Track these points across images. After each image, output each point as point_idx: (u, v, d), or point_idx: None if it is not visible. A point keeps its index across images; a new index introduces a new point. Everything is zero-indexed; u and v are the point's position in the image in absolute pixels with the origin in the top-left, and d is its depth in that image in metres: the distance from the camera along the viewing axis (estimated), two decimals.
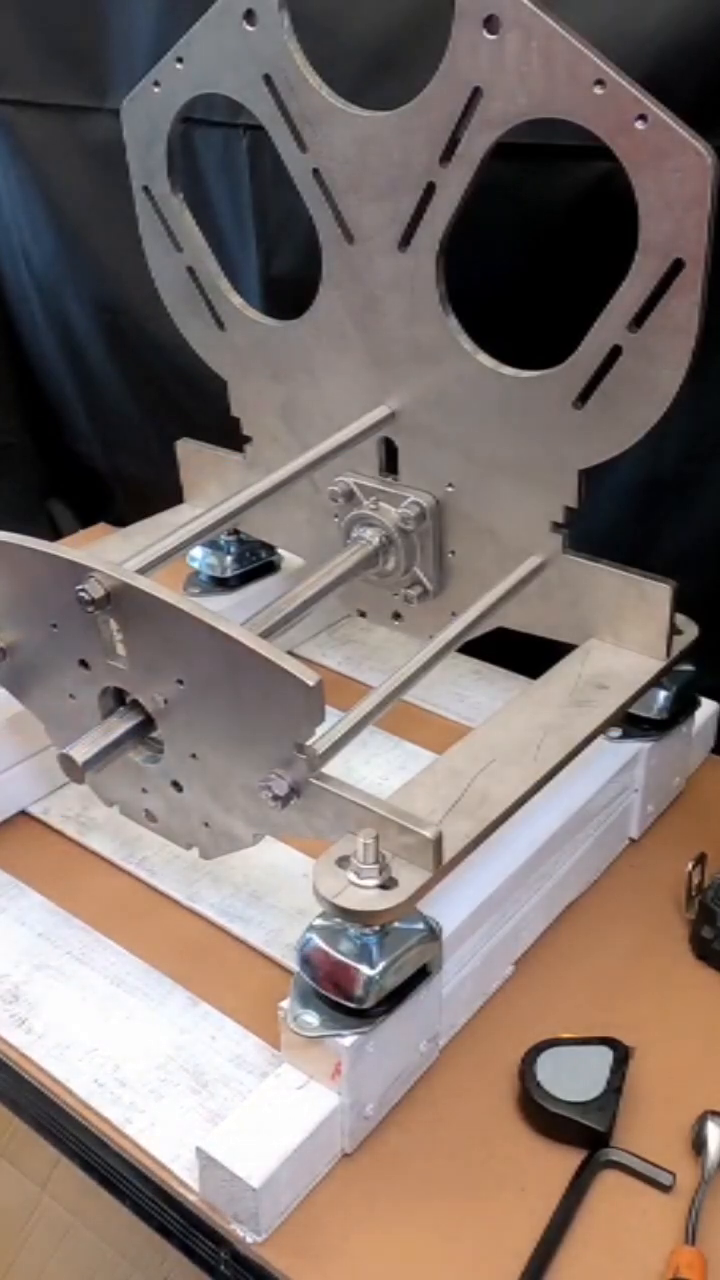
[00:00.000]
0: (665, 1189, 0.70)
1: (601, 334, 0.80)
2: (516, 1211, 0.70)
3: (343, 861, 0.71)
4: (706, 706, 1.00)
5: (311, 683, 0.69)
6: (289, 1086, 0.71)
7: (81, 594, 0.74)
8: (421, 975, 0.73)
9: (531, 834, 0.83)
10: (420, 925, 0.73)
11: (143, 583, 0.73)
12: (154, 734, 0.79)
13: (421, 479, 0.95)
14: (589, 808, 0.87)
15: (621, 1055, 0.76)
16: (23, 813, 0.98)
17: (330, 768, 0.74)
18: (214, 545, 1.15)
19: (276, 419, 1.04)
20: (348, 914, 0.70)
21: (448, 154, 0.81)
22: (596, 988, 0.83)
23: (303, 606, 0.89)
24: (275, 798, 0.73)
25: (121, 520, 1.30)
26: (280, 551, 1.17)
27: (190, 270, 1.02)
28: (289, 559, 1.16)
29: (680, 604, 0.89)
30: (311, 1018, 0.70)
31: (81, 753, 0.77)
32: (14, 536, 0.78)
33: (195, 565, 1.15)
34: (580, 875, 0.90)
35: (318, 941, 0.71)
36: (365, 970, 0.69)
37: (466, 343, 0.87)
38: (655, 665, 0.90)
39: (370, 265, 0.89)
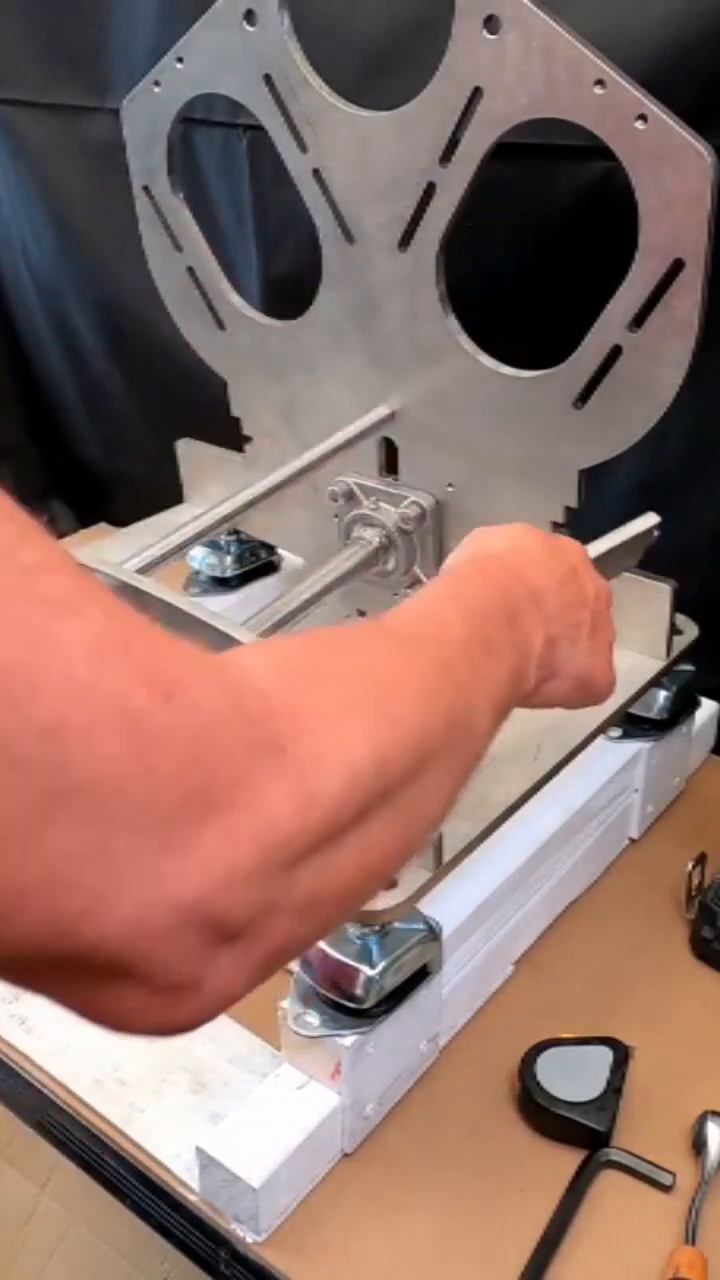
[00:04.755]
0: (665, 1189, 0.70)
1: (601, 334, 0.80)
2: (516, 1211, 0.70)
3: None
4: (706, 706, 1.00)
5: None
6: (289, 1086, 0.71)
7: None
8: (421, 975, 0.73)
9: (531, 834, 0.83)
10: (420, 925, 0.73)
11: (143, 582, 0.73)
12: None
13: (422, 479, 0.95)
14: (589, 808, 0.87)
15: (621, 1055, 0.76)
16: None
17: None
18: (214, 545, 1.15)
19: (276, 419, 1.04)
20: None
21: (448, 154, 0.81)
22: (596, 988, 0.83)
23: (303, 606, 0.89)
24: None
25: (121, 520, 1.30)
26: (280, 551, 1.17)
27: (190, 270, 1.02)
28: (289, 559, 1.16)
29: (680, 604, 0.89)
30: (311, 1018, 0.70)
31: None
32: None
33: (195, 565, 1.15)
34: (580, 875, 0.90)
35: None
36: (365, 970, 0.69)
37: (466, 343, 0.87)
38: (655, 665, 0.90)
39: (370, 265, 0.89)
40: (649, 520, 0.80)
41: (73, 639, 0.32)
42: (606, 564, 0.75)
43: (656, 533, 0.81)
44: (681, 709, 0.95)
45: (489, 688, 0.52)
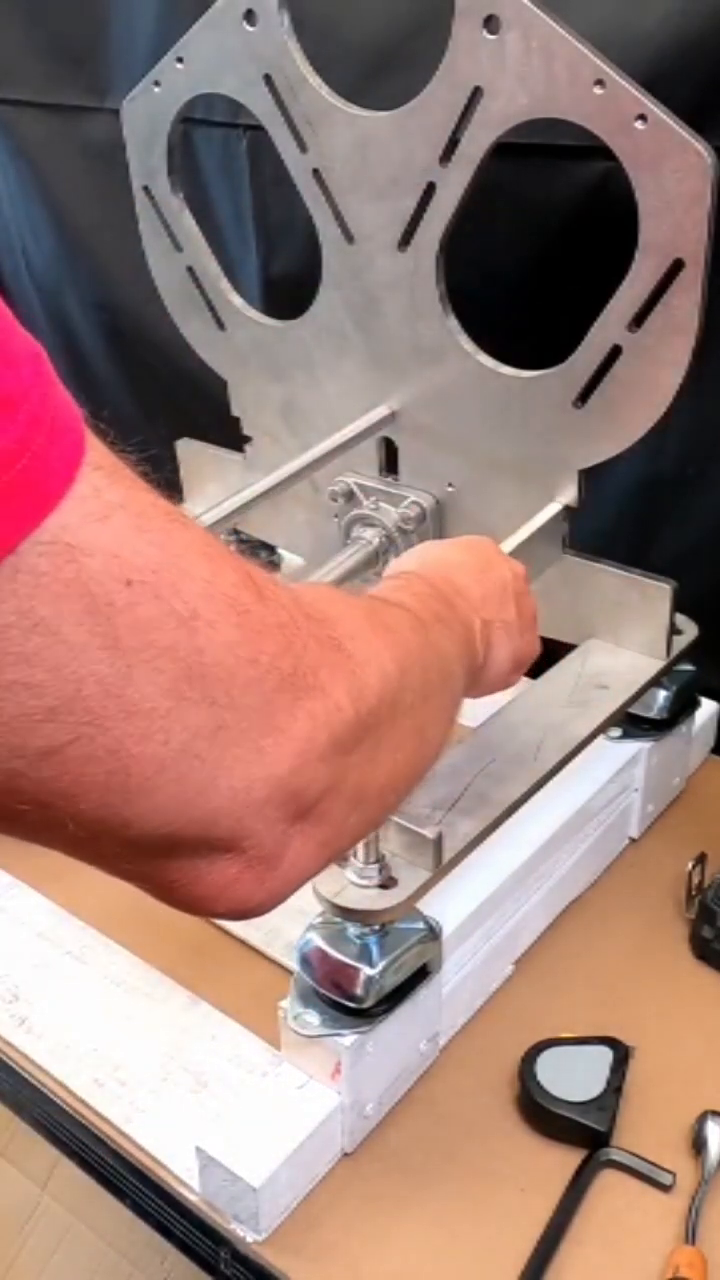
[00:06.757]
0: (665, 1189, 0.70)
1: (601, 334, 0.80)
2: (516, 1211, 0.70)
3: (342, 861, 0.71)
4: (706, 706, 1.00)
5: None
6: (289, 1086, 0.71)
7: None
8: (421, 975, 0.73)
9: (531, 834, 0.83)
10: (420, 925, 0.73)
11: None
12: None
13: (421, 479, 0.95)
14: (589, 807, 0.87)
15: (621, 1055, 0.76)
16: None
17: None
18: None
19: (276, 419, 1.04)
20: (347, 913, 0.70)
21: (448, 154, 0.81)
22: (596, 988, 0.83)
23: None
24: None
25: None
26: (280, 551, 1.17)
27: (190, 270, 1.02)
28: (289, 559, 1.16)
29: (680, 604, 0.89)
30: (311, 1017, 0.70)
31: None
32: None
33: None
34: (580, 875, 0.90)
35: (317, 941, 0.71)
36: (365, 970, 0.69)
37: (466, 343, 0.87)
38: (655, 665, 0.90)
39: (370, 265, 0.89)
40: (554, 508, 0.87)
41: (190, 545, 0.39)
42: (524, 557, 0.79)
43: (564, 519, 0.87)
44: (681, 709, 0.95)
45: (452, 647, 0.60)
